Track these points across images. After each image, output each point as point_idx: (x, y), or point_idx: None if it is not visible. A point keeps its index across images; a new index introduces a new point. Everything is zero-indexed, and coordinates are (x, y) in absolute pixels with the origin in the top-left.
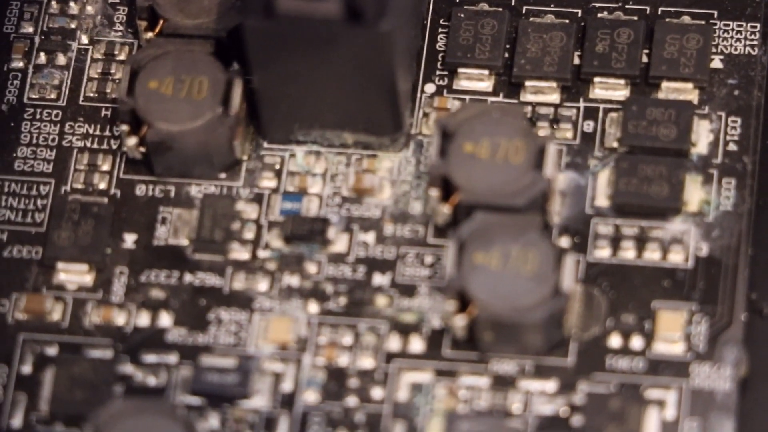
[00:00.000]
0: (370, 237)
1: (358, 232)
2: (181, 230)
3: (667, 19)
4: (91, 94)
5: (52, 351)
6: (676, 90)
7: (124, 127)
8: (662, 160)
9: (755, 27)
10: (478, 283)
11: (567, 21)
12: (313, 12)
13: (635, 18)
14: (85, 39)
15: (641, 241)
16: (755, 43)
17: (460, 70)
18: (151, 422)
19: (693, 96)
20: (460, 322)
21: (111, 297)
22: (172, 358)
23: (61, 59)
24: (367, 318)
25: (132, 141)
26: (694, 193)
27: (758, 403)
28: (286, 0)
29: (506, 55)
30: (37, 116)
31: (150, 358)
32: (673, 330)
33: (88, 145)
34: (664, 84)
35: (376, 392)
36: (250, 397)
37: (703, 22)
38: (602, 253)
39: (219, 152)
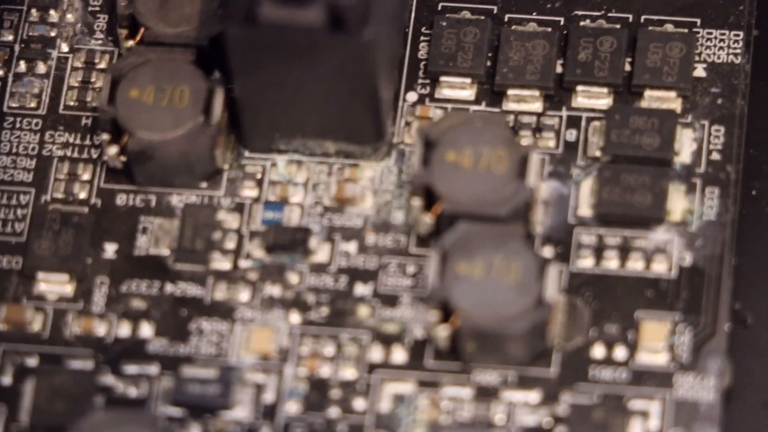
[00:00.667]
0: (352, 247)
1: (339, 241)
2: (162, 240)
3: (650, 28)
4: (72, 103)
5: (32, 362)
6: (659, 99)
7: (105, 136)
8: (645, 170)
9: (738, 35)
10: (460, 294)
11: (549, 29)
12: (296, 20)
13: (618, 26)
14: (65, 47)
15: (624, 251)
16: (738, 51)
17: (443, 78)
18: None
19: (676, 105)
20: (442, 332)
21: (92, 307)
22: (154, 368)
23: (41, 67)
24: (349, 328)
25: (113, 150)
26: (678, 202)
27: (742, 413)
28: (269, 8)
29: (488, 63)
30: (17, 125)
31: (131, 368)
32: (657, 340)
33: (69, 154)
34: (647, 92)
35: (359, 403)
36: (231, 408)
37: (686, 31)
38: (585, 262)
39: (200, 161)
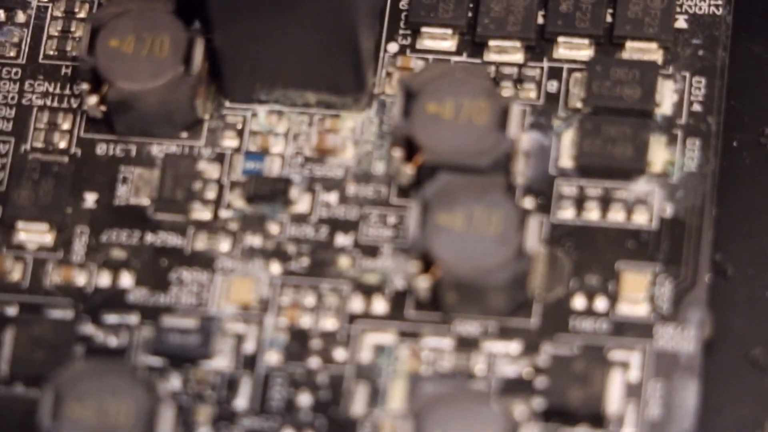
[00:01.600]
0: (332, 197)
1: (320, 192)
2: (142, 190)
3: None
4: (51, 52)
5: (12, 311)
6: (640, 50)
7: (85, 86)
8: (626, 121)
9: None
10: (441, 244)
11: None
12: None
13: None
14: None
15: (605, 202)
16: (719, 2)
17: (424, 29)
18: (112, 383)
19: (657, 56)
20: (423, 283)
21: (71, 257)
22: (133, 318)
23: (20, 17)
24: (329, 279)
25: (93, 100)
26: (659, 153)
27: (722, 365)
28: None
29: (470, 14)
30: None
31: (111, 318)
32: (637, 291)
33: (48, 103)
34: (629, 44)
35: (339, 353)
36: (211, 358)
37: None
38: (566, 214)
39: (180, 111)
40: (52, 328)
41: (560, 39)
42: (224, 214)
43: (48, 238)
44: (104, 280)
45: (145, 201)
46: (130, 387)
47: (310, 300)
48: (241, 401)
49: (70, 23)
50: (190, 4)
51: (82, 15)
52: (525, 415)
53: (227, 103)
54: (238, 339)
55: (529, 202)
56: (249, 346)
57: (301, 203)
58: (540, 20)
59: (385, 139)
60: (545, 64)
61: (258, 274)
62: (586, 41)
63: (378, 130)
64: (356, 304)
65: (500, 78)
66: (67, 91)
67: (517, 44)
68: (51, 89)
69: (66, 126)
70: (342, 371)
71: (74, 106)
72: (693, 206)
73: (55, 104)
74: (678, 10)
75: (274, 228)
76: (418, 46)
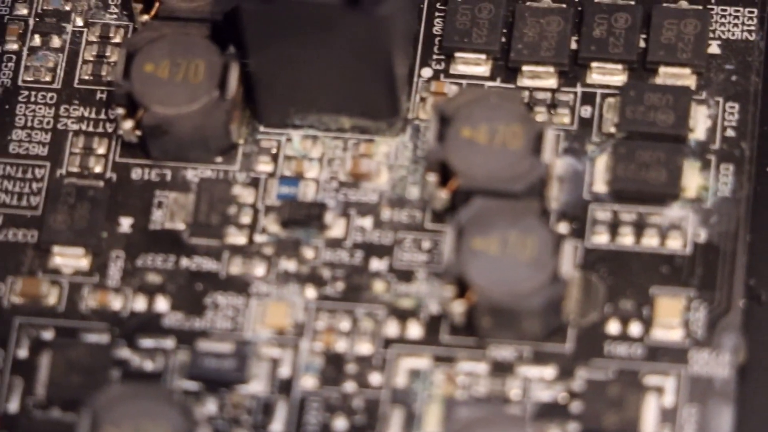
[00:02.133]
0: (367, 222)
1: (355, 216)
2: (177, 214)
3: (665, 4)
4: (86, 77)
5: (48, 335)
6: (673, 75)
7: (120, 111)
8: (660, 146)
9: (752, 12)
10: (476, 269)
11: (564, 5)
12: None
13: (632, 3)
14: (79, 21)
15: (639, 227)
16: (753, 28)
17: (457, 54)
18: (148, 407)
19: (691, 81)
20: (458, 307)
21: (107, 281)
22: (169, 342)
23: (55, 41)
24: (364, 303)
25: (128, 124)
26: (692, 178)
27: (757, 389)
28: None
29: (503, 39)
30: (32, 99)
31: (147, 342)
32: (672, 316)
33: (84, 128)
34: (662, 69)
35: (374, 378)
36: (247, 383)
37: (700, 7)
38: (600, 238)
39: (215, 136)
40: (88, 352)
41: (593, 64)
42: (259, 238)
43: (84, 263)
44: (140, 304)
45: (180, 225)
46: (167, 411)
47: (345, 324)
48: (277, 426)
49: (105, 48)
50: (225, 28)
51: (117, 40)
52: None
53: (262, 128)
54: (274, 363)
55: (563, 227)
56: (284, 371)
57: (336, 228)
58: (573, 45)
59: (419, 163)
60: (579, 89)
61: (293, 299)
62: (619, 66)
63: (412, 154)
64: (391, 328)
65: (534, 103)
66: (103, 116)
67: (551, 69)
68: (86, 114)
69: (101, 150)
70: (377, 396)
71: (109, 130)
72: (727, 231)
73: (91, 129)
74: (711, 35)
75: (308, 252)
76: (451, 71)
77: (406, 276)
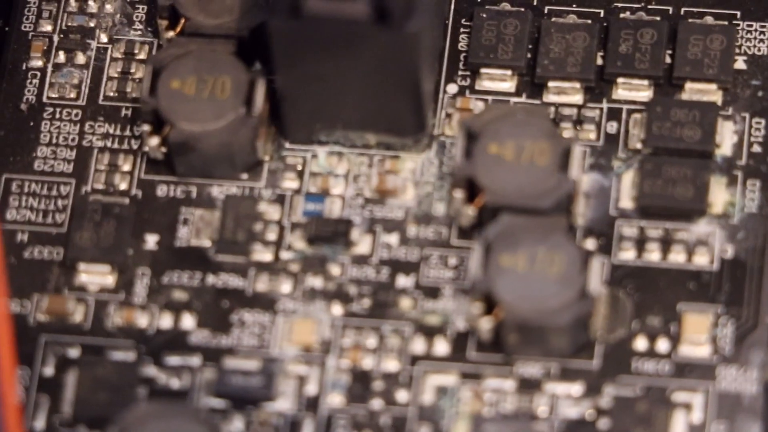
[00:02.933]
0: (393, 238)
1: (381, 233)
2: (203, 231)
3: (690, 20)
4: (111, 94)
5: (74, 353)
6: (699, 91)
7: (146, 127)
8: (687, 162)
9: None
10: (504, 286)
11: (589, 21)
12: (341, 12)
13: (658, 18)
14: (104, 38)
15: (666, 243)
16: None
17: (483, 70)
18: (176, 425)
19: (717, 97)
20: (486, 324)
21: (133, 298)
22: (196, 360)
23: (80, 58)
24: (391, 320)
25: (154, 141)
26: (719, 194)
27: None
28: (314, 0)
29: (529, 55)
30: (57, 116)
31: (173, 360)
32: (699, 332)
33: (109, 145)
34: (688, 85)
35: (401, 395)
36: (274, 400)
37: (726, 23)
38: (627, 255)
39: (241, 153)
40: (114, 369)
41: (620, 80)
42: (285, 255)
43: (110, 280)
44: (166, 321)
45: (206, 242)
46: (194, 429)
47: (371, 341)
48: None
49: (129, 64)
50: (251, 45)
51: (141, 56)
52: None
53: (287, 145)
54: (301, 381)
55: (590, 243)
56: (311, 388)
57: (362, 245)
58: (599, 61)
59: (445, 180)
60: (605, 105)
61: (319, 316)
62: (645, 82)
63: (438, 171)
64: (418, 345)
65: (560, 119)
66: (128, 133)
67: (577, 85)
68: (111, 131)
69: (126, 167)
70: (405, 413)
71: (134, 147)
72: (754, 247)
73: (116, 146)
74: (737, 51)
75: (335, 269)
76: (477, 87)
77: (432, 293)
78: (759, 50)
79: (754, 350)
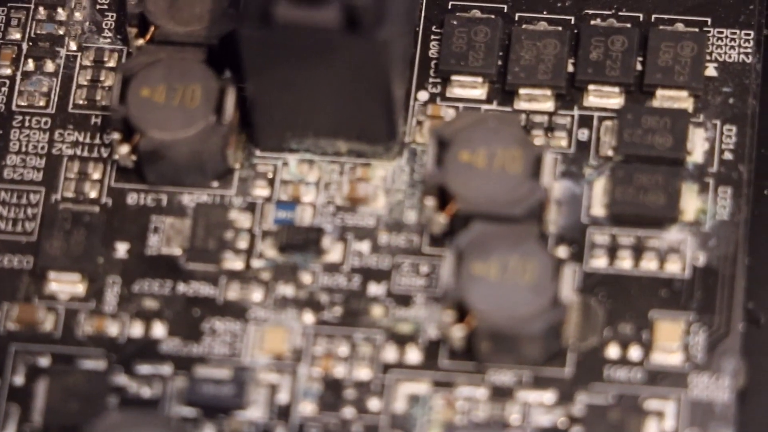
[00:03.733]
0: (364, 246)
1: (352, 241)
2: (173, 239)
3: (661, 27)
4: (81, 102)
5: (44, 362)
6: (670, 98)
7: (116, 135)
8: (658, 169)
9: (749, 34)
10: (476, 294)
11: (560, 28)
12: (311, 21)
13: (629, 25)
14: (73, 45)
15: (638, 251)
16: (749, 50)
17: (454, 77)
18: None
19: (688, 104)
20: (458, 332)
21: (104, 307)
22: (167, 368)
23: (49, 66)
24: (363, 328)
25: (124, 149)
26: (691, 202)
27: (757, 413)
28: (284, 9)
29: (500, 62)
30: (26, 124)
31: (144, 369)
32: (671, 340)
33: (79, 153)
34: (659, 92)
35: (373, 403)
36: (245, 409)
37: (697, 30)
38: (599, 262)
39: (212, 161)
40: (85, 378)
41: (590, 87)
42: (256, 263)
43: (80, 289)
44: (137, 330)
45: (176, 250)
46: None
47: (343, 349)
48: None
49: (99, 72)
50: (221, 52)
51: (111, 64)
52: None
53: (258, 152)
54: (272, 389)
55: (562, 251)
56: (283, 397)
57: (333, 252)
58: (570, 68)
59: (416, 187)
60: (576, 112)
61: (291, 324)
62: (616, 89)
63: (409, 178)
64: (390, 353)
65: (531, 126)
66: (97, 141)
67: (548, 92)
68: (81, 139)
69: (96, 176)
70: (377, 421)
71: (104, 155)
72: (725, 255)
73: (86, 154)
74: (708, 58)
75: (306, 277)
76: (448, 95)
77: (404, 300)
78: (730, 57)
79: (726, 358)
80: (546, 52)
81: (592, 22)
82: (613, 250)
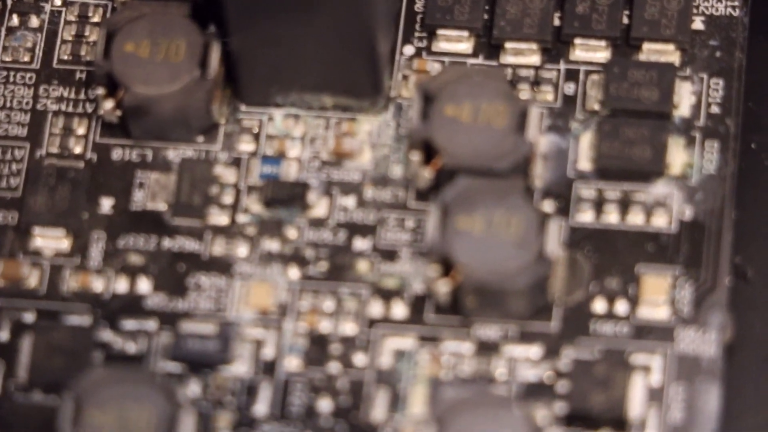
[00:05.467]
0: (350, 201)
1: (338, 196)
2: (158, 195)
3: None
4: (65, 57)
5: (29, 318)
6: (657, 51)
7: (101, 91)
8: (644, 123)
9: None
10: (461, 248)
11: None
12: None
13: None
14: (58, 1)
15: (624, 205)
16: (736, 3)
17: (440, 31)
18: (132, 390)
19: (675, 57)
20: (443, 287)
21: (89, 262)
22: (152, 324)
23: (34, 21)
24: (348, 283)
25: (108, 104)
26: (677, 156)
27: (743, 367)
28: None
29: (486, 16)
30: (11, 79)
31: (129, 324)
32: (658, 294)
33: (63, 108)
34: (646, 45)
35: (359, 358)
36: (231, 364)
37: None
38: (585, 217)
39: (197, 116)
40: (70, 334)
41: (577, 41)
42: (242, 218)
43: (65, 244)
44: (122, 285)
45: (161, 206)
46: (150, 393)
47: (329, 305)
48: (261, 407)
49: (84, 28)
50: (206, 7)
51: (96, 19)
52: (547, 419)
53: (243, 107)
54: (257, 344)
55: (548, 206)
56: (268, 352)
57: (319, 207)
58: (556, 22)
59: (402, 142)
60: (562, 66)
61: (276, 279)
62: (602, 43)
63: (395, 133)
64: (375, 308)
65: (517, 80)
66: (82, 96)
67: (534, 46)
68: (66, 94)
69: (81, 131)
70: (362, 376)
71: (89, 110)
72: (712, 209)
73: (70, 109)
74: (695, 11)
75: (291, 232)
76: (434, 49)
77: (389, 255)
78: (717, 10)
79: (713, 312)
80: (532, 5)
81: None
82: (599, 205)
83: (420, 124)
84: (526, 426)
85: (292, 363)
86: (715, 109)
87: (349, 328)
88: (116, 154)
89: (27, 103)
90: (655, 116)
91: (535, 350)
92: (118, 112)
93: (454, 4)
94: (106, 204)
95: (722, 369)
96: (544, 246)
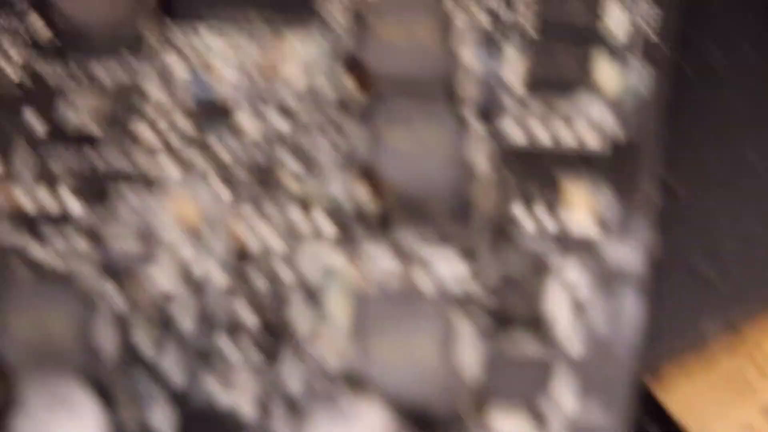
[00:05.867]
0: (279, 120)
1: (267, 114)
2: (86, 112)
3: None
4: None
5: None
6: None
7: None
8: (575, 40)
9: None
10: (388, 164)
11: None
12: None
13: None
14: None
15: (553, 122)
16: None
17: None
18: (56, 305)
19: None
20: (369, 203)
21: (15, 179)
22: (79, 241)
23: None
24: (275, 199)
25: (36, 21)
26: (609, 75)
27: (670, 283)
28: None
29: None
30: None
31: (57, 242)
32: (585, 209)
33: None
34: None
35: (286, 274)
36: (156, 280)
37: None
38: (512, 133)
39: (124, 31)
40: None
41: None
42: (170, 136)
43: None
44: (48, 202)
45: (89, 123)
46: (69, 298)
47: (256, 222)
48: (185, 323)
49: None
50: None
51: None
52: (468, 325)
53: (170, 22)
54: (183, 261)
55: (476, 123)
56: (195, 269)
57: (247, 125)
58: None
59: (332, 59)
60: None
61: (203, 196)
62: None
63: (325, 51)
64: (302, 225)
65: None
66: (8, 11)
67: None
68: None
69: (9, 48)
70: (288, 293)
71: (19, 29)
72: (643, 128)
73: None
74: None
75: (219, 150)
76: None
77: (318, 172)
78: None
79: (640, 229)
80: None
81: None
82: (528, 122)
83: (350, 44)
84: (447, 331)
85: (218, 279)
86: (647, 28)
87: (275, 244)
88: (45, 71)
89: None
90: (586, 33)
91: (459, 263)
92: (47, 30)
93: None
94: (35, 123)
95: (648, 285)
96: (472, 162)
